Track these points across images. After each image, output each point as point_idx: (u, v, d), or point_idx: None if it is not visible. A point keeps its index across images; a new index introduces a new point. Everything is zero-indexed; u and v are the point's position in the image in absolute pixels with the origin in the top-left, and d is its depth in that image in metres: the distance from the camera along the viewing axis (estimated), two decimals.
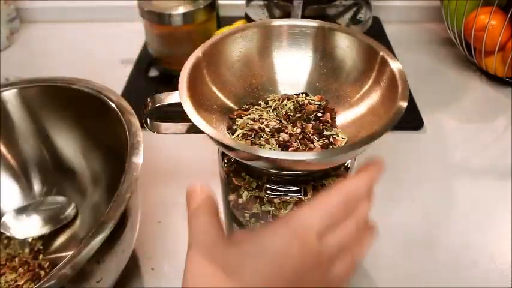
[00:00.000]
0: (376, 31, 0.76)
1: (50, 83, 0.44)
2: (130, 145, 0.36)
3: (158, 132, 0.35)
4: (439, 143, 0.56)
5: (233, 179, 0.32)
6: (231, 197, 0.33)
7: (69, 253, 0.42)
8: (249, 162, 0.28)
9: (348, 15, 0.68)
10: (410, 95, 0.61)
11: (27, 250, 0.43)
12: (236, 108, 0.34)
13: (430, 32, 0.79)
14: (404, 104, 0.27)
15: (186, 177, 0.50)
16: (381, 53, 0.31)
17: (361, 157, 0.30)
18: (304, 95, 0.34)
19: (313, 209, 0.25)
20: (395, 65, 0.30)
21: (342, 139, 0.32)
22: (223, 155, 0.33)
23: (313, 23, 0.34)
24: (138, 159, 0.35)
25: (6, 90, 0.44)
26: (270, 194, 0.30)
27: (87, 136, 0.46)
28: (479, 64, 0.66)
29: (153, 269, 0.42)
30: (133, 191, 0.33)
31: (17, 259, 0.42)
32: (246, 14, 0.67)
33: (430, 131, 0.57)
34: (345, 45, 0.33)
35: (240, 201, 0.32)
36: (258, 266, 0.24)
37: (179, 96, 0.29)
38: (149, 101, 0.32)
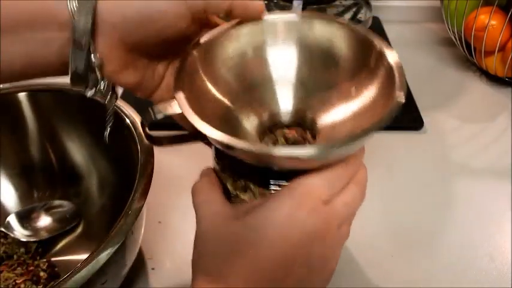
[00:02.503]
0: (376, 31, 0.76)
1: (65, 89, 0.44)
2: (141, 170, 0.36)
3: (162, 145, 0.34)
4: (439, 143, 0.56)
5: (222, 178, 0.31)
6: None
7: (68, 257, 0.43)
8: (255, 163, 0.27)
9: (348, 15, 0.68)
10: (410, 95, 0.61)
11: (22, 249, 0.43)
12: (232, 106, 0.33)
13: (430, 32, 0.79)
14: (402, 97, 0.26)
15: (186, 177, 0.50)
16: (377, 45, 0.31)
17: None
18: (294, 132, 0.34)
19: (315, 176, 0.25)
20: (391, 57, 0.29)
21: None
22: (217, 154, 0.33)
23: (299, 16, 0.33)
24: (146, 192, 0.34)
25: (21, 91, 0.44)
26: (272, 189, 0.30)
27: (97, 144, 0.46)
28: (479, 64, 0.66)
29: (153, 268, 0.42)
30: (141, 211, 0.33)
31: (14, 257, 0.42)
32: None
33: (430, 131, 0.57)
34: (337, 36, 0.32)
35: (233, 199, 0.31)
36: (263, 237, 0.24)
37: (179, 105, 0.27)
38: (147, 114, 0.29)
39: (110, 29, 0.26)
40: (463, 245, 0.44)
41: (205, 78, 0.31)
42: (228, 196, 0.30)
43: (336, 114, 0.32)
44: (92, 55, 0.26)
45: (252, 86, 0.33)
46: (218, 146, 0.27)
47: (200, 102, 0.29)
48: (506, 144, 0.55)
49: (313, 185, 0.25)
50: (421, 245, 0.44)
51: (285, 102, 0.34)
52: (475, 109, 0.62)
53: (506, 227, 0.45)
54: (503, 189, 0.49)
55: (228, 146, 0.25)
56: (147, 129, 0.32)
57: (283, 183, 0.28)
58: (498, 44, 0.60)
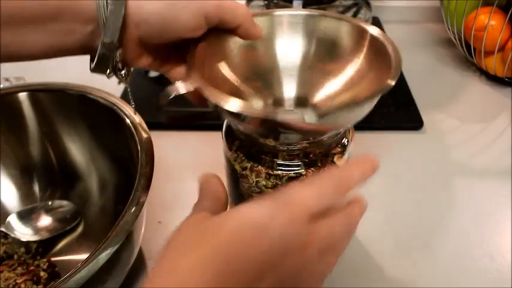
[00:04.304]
0: None
1: (65, 89, 0.44)
2: (141, 170, 0.35)
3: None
4: (439, 143, 0.56)
5: (236, 163, 0.32)
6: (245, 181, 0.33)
7: (68, 257, 0.43)
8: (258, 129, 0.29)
9: (348, 15, 0.68)
10: (410, 95, 0.61)
11: (23, 249, 0.43)
12: (242, 88, 0.35)
13: (430, 32, 0.79)
14: (392, 82, 0.28)
15: (186, 177, 0.50)
16: (370, 31, 0.33)
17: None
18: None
19: (305, 186, 0.24)
20: (390, 48, 0.32)
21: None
22: (227, 136, 0.34)
23: (305, 12, 0.36)
24: (146, 192, 0.34)
25: (21, 91, 0.45)
26: (278, 168, 0.31)
27: (97, 144, 0.46)
28: (479, 64, 0.66)
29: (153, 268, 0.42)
30: (141, 209, 0.33)
31: (15, 257, 0.42)
32: None
33: (430, 131, 0.57)
34: (335, 28, 0.35)
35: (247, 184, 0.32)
36: (224, 237, 0.22)
37: (194, 80, 0.29)
38: (165, 93, 0.30)
39: (132, 27, 0.29)
40: (463, 245, 0.44)
41: (216, 63, 0.34)
42: (236, 176, 0.31)
43: (334, 100, 0.35)
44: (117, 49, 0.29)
45: (258, 72, 0.36)
46: (231, 117, 0.29)
47: (211, 82, 0.30)
48: (506, 144, 0.55)
49: (301, 193, 0.24)
50: (421, 245, 0.44)
51: (289, 88, 0.36)
52: (474, 109, 0.62)
53: (506, 227, 0.45)
54: (503, 189, 0.49)
55: (240, 113, 0.26)
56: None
57: (289, 165, 0.29)
58: (498, 44, 0.60)
